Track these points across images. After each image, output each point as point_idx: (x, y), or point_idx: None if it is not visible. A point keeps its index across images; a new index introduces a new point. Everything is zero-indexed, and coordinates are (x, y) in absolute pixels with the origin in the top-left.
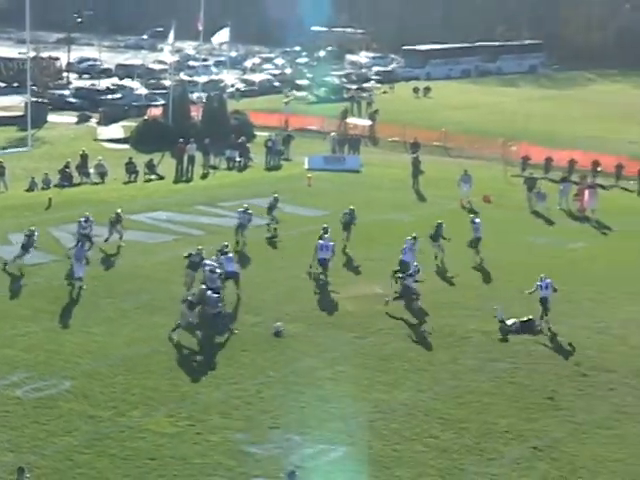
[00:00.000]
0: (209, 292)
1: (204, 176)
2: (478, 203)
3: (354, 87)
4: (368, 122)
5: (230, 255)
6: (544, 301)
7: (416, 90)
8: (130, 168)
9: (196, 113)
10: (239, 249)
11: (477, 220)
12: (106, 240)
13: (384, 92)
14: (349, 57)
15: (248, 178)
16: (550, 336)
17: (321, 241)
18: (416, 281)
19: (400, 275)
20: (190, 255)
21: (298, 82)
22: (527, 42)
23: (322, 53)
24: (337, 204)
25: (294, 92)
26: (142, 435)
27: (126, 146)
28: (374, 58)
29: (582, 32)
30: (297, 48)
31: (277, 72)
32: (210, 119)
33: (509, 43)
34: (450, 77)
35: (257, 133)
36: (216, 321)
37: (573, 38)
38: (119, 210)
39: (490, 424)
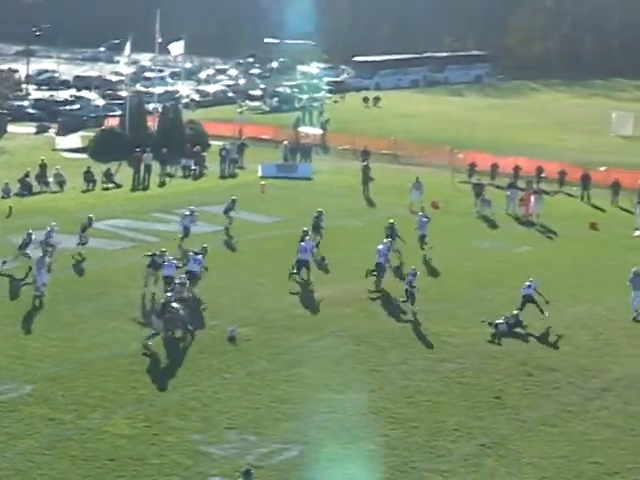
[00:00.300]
0: (177, 306)
1: (161, 184)
2: (428, 209)
3: (305, 97)
4: (319, 131)
5: (199, 257)
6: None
7: (366, 100)
8: (88, 177)
9: (152, 123)
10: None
11: (424, 219)
12: (82, 244)
13: (335, 102)
14: (301, 68)
15: (203, 186)
16: (499, 335)
17: (302, 243)
18: (413, 287)
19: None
20: (154, 254)
21: (251, 92)
22: (473, 53)
23: (274, 64)
24: (290, 211)
25: (247, 102)
26: (101, 437)
27: (84, 156)
28: (325, 69)
29: (526, 43)
30: (250, 59)
31: (231, 83)
32: (166, 129)
33: (456, 54)
34: (399, 87)
35: (212, 142)
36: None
37: (517, 49)
38: (91, 215)
39: (439, 422)
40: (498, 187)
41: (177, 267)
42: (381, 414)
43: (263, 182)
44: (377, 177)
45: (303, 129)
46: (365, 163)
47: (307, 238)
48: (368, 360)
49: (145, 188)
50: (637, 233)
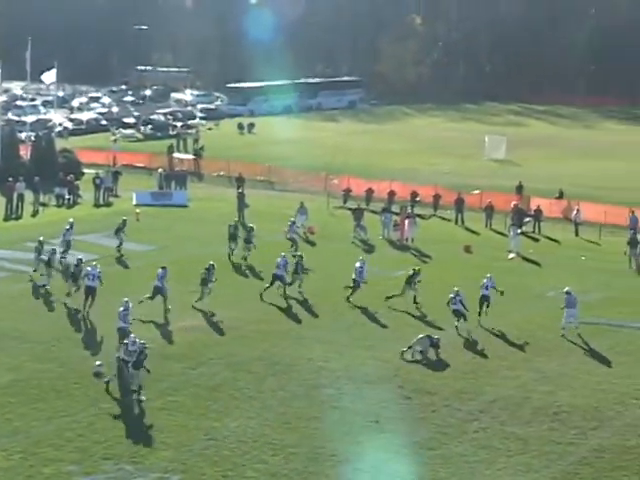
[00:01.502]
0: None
1: (34, 214)
2: (304, 235)
3: (180, 124)
4: (191, 157)
5: (97, 272)
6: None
7: (241, 126)
8: None
9: (25, 152)
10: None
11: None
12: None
13: (209, 129)
14: (174, 95)
15: (78, 215)
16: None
17: (279, 259)
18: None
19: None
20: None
21: (125, 120)
22: (346, 79)
23: (148, 92)
24: (165, 239)
25: (121, 130)
26: None
27: None
28: (199, 96)
29: (399, 68)
30: (123, 87)
31: (104, 111)
32: (39, 158)
33: (329, 80)
34: (272, 113)
35: (85, 170)
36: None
37: (390, 74)
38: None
39: (318, 448)
40: (373, 212)
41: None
42: (260, 441)
43: (138, 210)
44: (252, 204)
45: (177, 155)
46: (240, 190)
47: (283, 254)
48: (245, 387)
49: (18, 217)
50: (511, 256)
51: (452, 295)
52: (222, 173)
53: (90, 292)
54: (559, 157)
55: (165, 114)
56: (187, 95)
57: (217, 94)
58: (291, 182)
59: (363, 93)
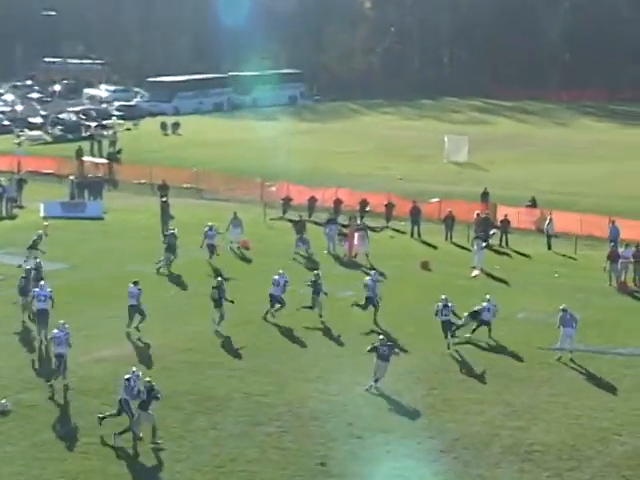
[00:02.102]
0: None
1: None
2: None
3: (94, 124)
4: (104, 161)
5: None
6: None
7: (164, 126)
8: None
9: None
10: None
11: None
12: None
13: (128, 129)
14: (87, 91)
15: None
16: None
17: (276, 276)
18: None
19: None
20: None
21: (31, 120)
22: (285, 71)
23: (57, 87)
24: (78, 256)
25: (26, 131)
26: None
27: None
28: (115, 92)
29: (345, 59)
30: (28, 82)
31: (7, 109)
32: None
33: (266, 73)
34: (201, 111)
35: None
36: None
37: (335, 66)
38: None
39: None
40: (317, 223)
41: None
42: None
43: (46, 223)
44: (178, 214)
45: (87, 159)
46: (164, 199)
47: (280, 271)
48: (172, 426)
49: None
50: (475, 273)
51: (441, 305)
52: (143, 180)
53: (42, 315)
54: (529, 159)
55: (77, 113)
56: (102, 91)
57: (137, 89)
58: (222, 190)
59: (304, 87)
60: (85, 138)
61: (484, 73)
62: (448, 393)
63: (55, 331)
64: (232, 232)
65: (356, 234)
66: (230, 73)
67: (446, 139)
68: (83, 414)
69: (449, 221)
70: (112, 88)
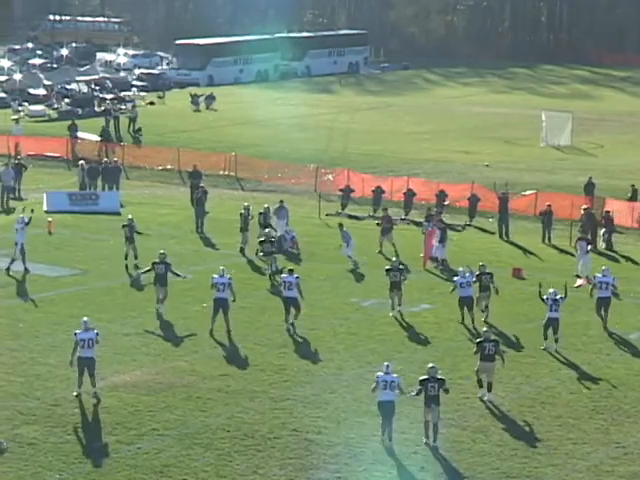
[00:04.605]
0: None
1: None
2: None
3: (109, 97)
4: (95, 137)
5: None
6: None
7: (195, 100)
8: None
9: None
10: None
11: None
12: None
13: (151, 103)
14: (102, 56)
15: None
16: None
17: (284, 274)
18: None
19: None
20: None
21: (32, 91)
22: (346, 32)
23: (64, 51)
24: (90, 260)
25: (26, 105)
26: None
27: None
28: (136, 57)
29: (419, 19)
30: (29, 45)
31: (2, 78)
32: None
33: (321, 34)
34: (241, 81)
35: None
36: None
37: (407, 26)
38: None
39: None
40: (374, 219)
41: None
42: None
43: (50, 219)
44: (212, 208)
45: (81, 135)
46: (198, 189)
47: (289, 268)
48: (204, 469)
49: None
50: (579, 282)
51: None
52: (169, 166)
53: None
54: None
55: (89, 83)
56: (120, 56)
57: (162, 54)
58: (266, 178)
59: (369, 53)
60: (98, 114)
61: (591, 35)
62: (543, 431)
63: (78, 332)
64: (277, 224)
65: (436, 233)
66: (277, 35)
67: (544, 117)
68: (92, 454)
69: (547, 217)
70: (132, 53)
